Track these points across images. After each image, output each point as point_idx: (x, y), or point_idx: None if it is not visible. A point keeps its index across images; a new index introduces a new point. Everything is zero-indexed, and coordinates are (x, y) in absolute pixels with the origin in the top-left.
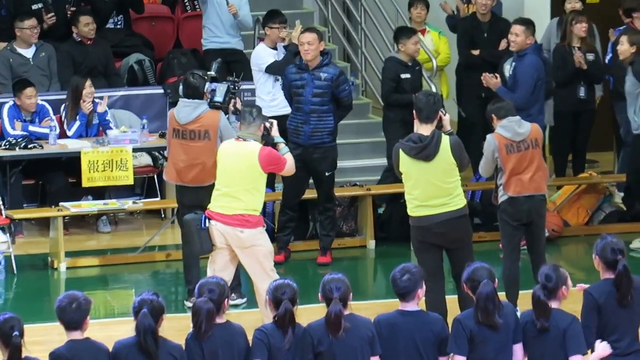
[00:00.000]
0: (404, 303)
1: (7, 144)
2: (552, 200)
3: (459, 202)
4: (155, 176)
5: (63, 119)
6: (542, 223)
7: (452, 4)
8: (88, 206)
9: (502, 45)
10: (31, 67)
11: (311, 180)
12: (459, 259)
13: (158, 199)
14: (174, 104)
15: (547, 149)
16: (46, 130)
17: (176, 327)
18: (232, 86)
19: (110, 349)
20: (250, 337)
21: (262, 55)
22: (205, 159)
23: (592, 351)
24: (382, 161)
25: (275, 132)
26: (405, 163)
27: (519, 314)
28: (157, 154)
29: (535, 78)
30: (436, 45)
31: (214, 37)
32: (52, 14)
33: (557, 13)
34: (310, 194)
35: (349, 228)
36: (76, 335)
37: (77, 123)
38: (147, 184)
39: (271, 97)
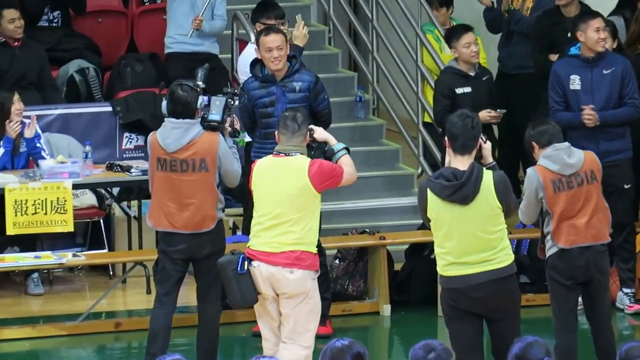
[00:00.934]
0: None
1: None
2: None
3: (505, 258)
4: (102, 221)
5: None
6: (604, 281)
7: None
8: (14, 260)
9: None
10: None
11: None
12: (504, 332)
13: (105, 250)
14: (127, 125)
15: None
16: None
17: None
18: (230, 100)
19: None
20: None
21: None
22: (202, 197)
23: None
24: (400, 201)
25: (320, 134)
26: (435, 207)
27: None
28: (103, 191)
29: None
30: None
31: (182, 37)
32: None
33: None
34: None
35: (356, 289)
36: None
37: (1, 151)
38: (91, 231)
39: None
